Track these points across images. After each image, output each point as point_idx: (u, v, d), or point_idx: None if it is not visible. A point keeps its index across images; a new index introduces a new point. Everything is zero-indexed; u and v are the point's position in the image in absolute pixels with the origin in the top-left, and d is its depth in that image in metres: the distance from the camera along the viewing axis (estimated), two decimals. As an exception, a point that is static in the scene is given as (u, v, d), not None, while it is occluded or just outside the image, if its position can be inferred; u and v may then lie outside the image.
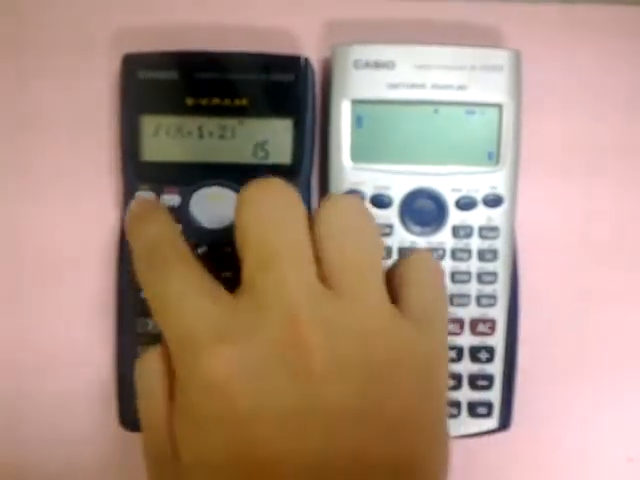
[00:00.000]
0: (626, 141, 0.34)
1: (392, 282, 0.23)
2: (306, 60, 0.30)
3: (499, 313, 0.31)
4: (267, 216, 0.21)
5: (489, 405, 0.31)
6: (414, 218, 0.31)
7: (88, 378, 0.32)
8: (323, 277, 0.21)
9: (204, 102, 0.30)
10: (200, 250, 0.30)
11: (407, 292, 0.23)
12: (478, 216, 0.31)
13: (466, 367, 0.31)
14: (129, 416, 0.31)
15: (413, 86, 0.30)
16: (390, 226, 0.31)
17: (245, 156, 0.30)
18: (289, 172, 0.31)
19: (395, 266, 0.24)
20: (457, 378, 0.31)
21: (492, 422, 0.31)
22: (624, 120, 0.34)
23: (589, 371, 0.34)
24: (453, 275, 0.31)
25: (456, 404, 0.31)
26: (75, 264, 0.32)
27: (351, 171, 0.30)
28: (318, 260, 0.21)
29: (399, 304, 0.22)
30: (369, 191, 0.31)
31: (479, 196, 0.31)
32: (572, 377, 0.33)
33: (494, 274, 0.31)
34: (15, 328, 0.32)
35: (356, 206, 0.23)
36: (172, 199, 0.30)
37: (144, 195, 0.30)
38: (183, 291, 0.21)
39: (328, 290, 0.21)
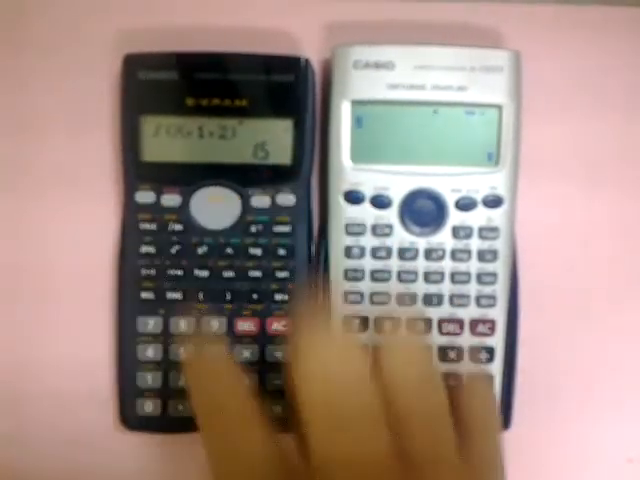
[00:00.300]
0: (626, 141, 0.34)
1: (455, 409, 0.23)
2: (306, 61, 0.31)
3: (499, 313, 0.31)
4: (332, 378, 0.21)
5: (489, 405, 0.31)
6: (414, 218, 0.31)
7: (88, 378, 0.32)
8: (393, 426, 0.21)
9: (204, 102, 0.30)
10: (200, 250, 0.31)
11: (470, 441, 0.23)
12: (478, 217, 0.31)
13: (466, 367, 0.31)
14: (129, 414, 0.31)
15: (413, 87, 0.30)
16: (390, 226, 0.31)
17: (245, 156, 0.30)
18: (289, 172, 0.31)
19: (456, 394, 0.24)
20: (457, 378, 0.31)
21: (492, 422, 0.31)
22: (624, 120, 0.34)
23: (589, 371, 0.34)
24: (453, 275, 0.31)
25: (456, 404, 0.31)
26: (75, 264, 0.32)
27: (351, 171, 0.31)
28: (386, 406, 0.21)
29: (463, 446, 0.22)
30: (369, 191, 0.31)
31: (479, 197, 0.31)
32: (572, 377, 0.33)
33: (494, 275, 0.31)
34: (15, 328, 0.32)
35: (419, 353, 0.23)
36: (172, 199, 0.30)
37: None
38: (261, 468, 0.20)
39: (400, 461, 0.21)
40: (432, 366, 0.23)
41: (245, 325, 0.31)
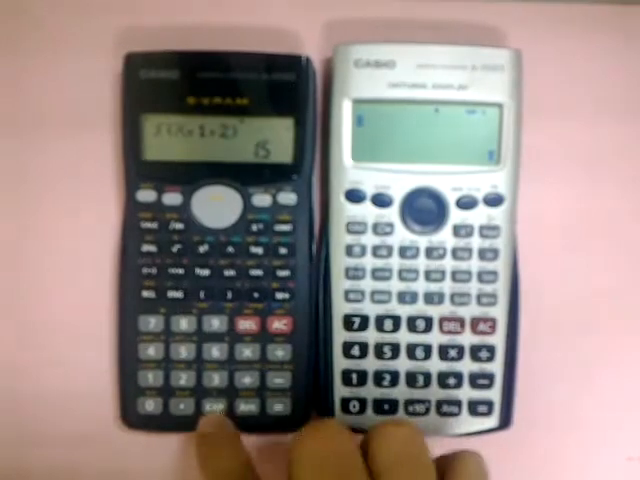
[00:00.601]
0: (626, 141, 0.34)
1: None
2: (307, 59, 0.31)
3: (500, 312, 0.31)
4: (322, 459, 0.23)
5: (489, 404, 0.31)
6: (415, 217, 0.31)
7: (89, 377, 0.32)
8: None
9: (206, 101, 0.30)
10: (201, 249, 0.31)
11: None
12: (479, 215, 0.31)
13: (467, 366, 0.31)
14: (130, 413, 0.31)
15: (414, 85, 0.30)
16: (391, 225, 0.31)
17: (246, 155, 0.31)
18: (290, 171, 0.31)
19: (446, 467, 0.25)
20: (458, 377, 0.31)
21: (492, 421, 0.31)
22: (624, 120, 0.34)
23: (589, 371, 0.34)
24: (454, 274, 0.31)
25: (457, 403, 0.31)
26: (75, 263, 0.32)
27: (352, 170, 0.31)
28: None
29: None
30: (370, 190, 0.31)
31: (480, 195, 0.31)
32: (572, 377, 0.34)
33: (495, 273, 0.31)
34: (15, 328, 0.32)
35: (410, 440, 0.24)
36: (174, 198, 0.30)
37: (213, 412, 0.31)
38: None
39: None
40: (421, 446, 0.24)
41: (246, 324, 0.31)
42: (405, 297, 0.31)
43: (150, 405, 0.31)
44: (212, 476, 0.26)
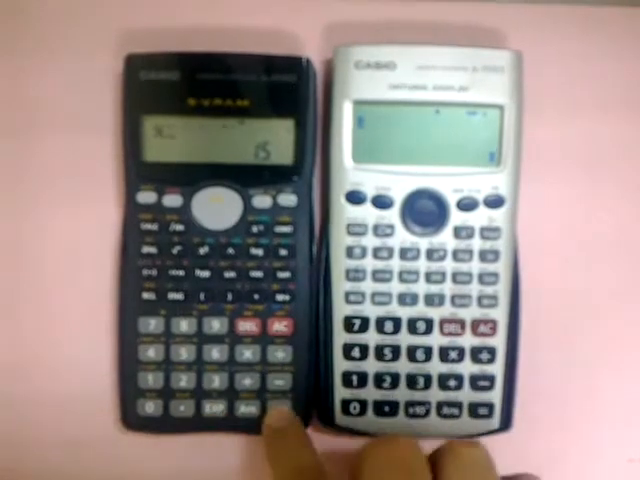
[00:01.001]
0: (626, 141, 0.34)
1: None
2: (308, 61, 0.31)
3: (500, 314, 0.31)
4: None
5: (490, 406, 0.31)
6: (415, 219, 0.31)
7: (89, 378, 0.32)
8: None
9: (206, 103, 0.30)
10: (202, 250, 0.30)
11: None
12: (479, 217, 0.31)
13: (467, 368, 0.31)
14: (130, 415, 0.31)
15: (414, 87, 0.30)
16: (391, 227, 0.31)
17: (247, 157, 0.30)
18: (290, 172, 0.31)
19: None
20: (458, 379, 0.31)
21: (493, 423, 0.31)
22: (624, 121, 0.34)
23: (589, 372, 0.34)
24: (454, 276, 0.31)
25: (457, 405, 0.31)
26: (75, 264, 0.32)
27: (352, 171, 0.31)
28: None
29: None
30: (370, 192, 0.31)
31: (480, 197, 0.31)
32: (572, 378, 0.34)
33: (495, 275, 0.31)
34: (16, 329, 0.32)
35: (482, 461, 0.24)
36: (174, 199, 0.30)
37: (280, 407, 0.31)
38: None
39: None
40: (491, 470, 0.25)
41: (246, 325, 0.31)
42: (405, 299, 0.31)
43: (150, 407, 0.31)
44: (289, 473, 0.25)
